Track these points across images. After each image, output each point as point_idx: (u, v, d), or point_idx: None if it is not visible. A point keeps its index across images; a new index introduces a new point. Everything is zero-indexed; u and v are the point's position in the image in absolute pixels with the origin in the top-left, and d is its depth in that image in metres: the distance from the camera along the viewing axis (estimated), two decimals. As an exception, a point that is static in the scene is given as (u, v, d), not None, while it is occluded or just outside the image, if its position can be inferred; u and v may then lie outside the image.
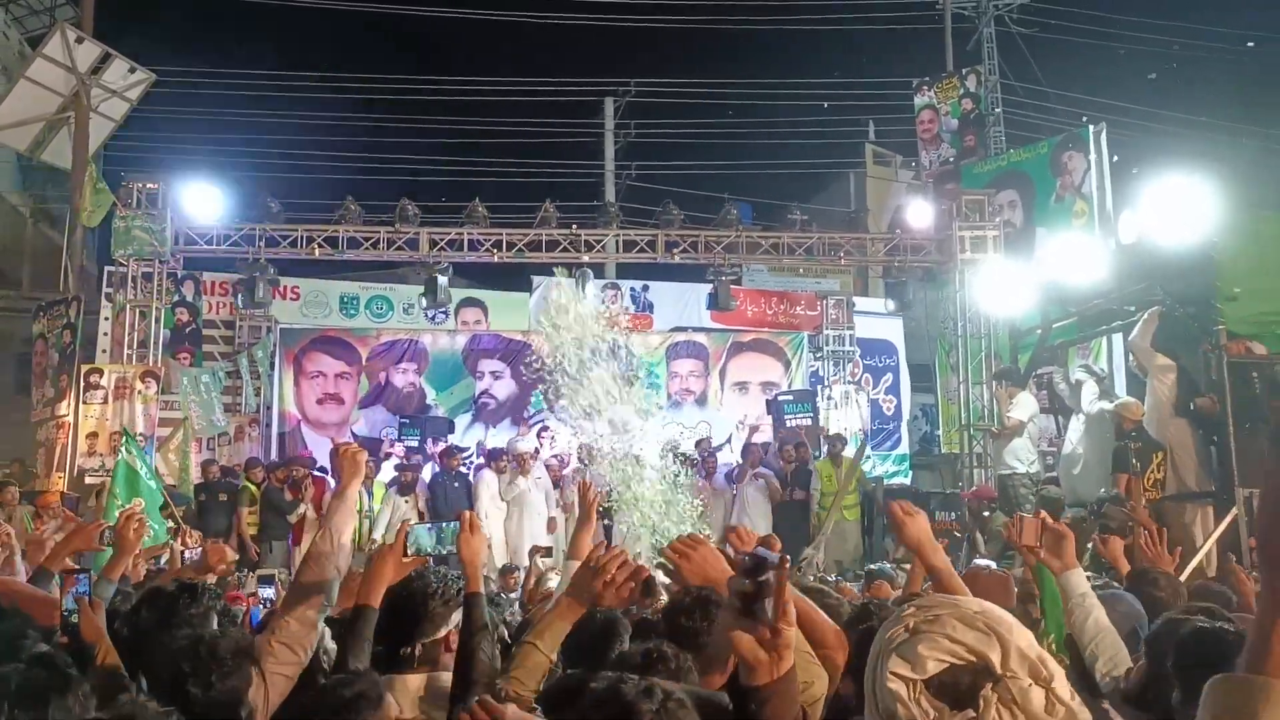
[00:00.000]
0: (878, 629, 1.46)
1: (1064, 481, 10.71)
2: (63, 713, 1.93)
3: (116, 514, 5.58)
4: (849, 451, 12.43)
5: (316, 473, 11.74)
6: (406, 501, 11.78)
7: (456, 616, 2.79)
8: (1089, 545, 6.60)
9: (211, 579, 3.90)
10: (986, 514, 10.82)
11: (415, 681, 2.73)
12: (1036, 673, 1.32)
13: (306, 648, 2.85)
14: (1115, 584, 4.70)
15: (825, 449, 12.34)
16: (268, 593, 4.86)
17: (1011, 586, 4.11)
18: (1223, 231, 9.28)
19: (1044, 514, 3.71)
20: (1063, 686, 1.33)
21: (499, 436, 13.84)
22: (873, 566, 6.46)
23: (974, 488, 12.44)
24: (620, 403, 10.82)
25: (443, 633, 2.81)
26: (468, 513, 2.87)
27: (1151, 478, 9.18)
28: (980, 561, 5.91)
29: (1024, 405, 11.54)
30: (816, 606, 2.55)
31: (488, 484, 11.92)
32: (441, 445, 12.88)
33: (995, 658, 1.31)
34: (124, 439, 10.62)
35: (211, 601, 3.06)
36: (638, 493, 10.27)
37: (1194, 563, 7.97)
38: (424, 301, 14.40)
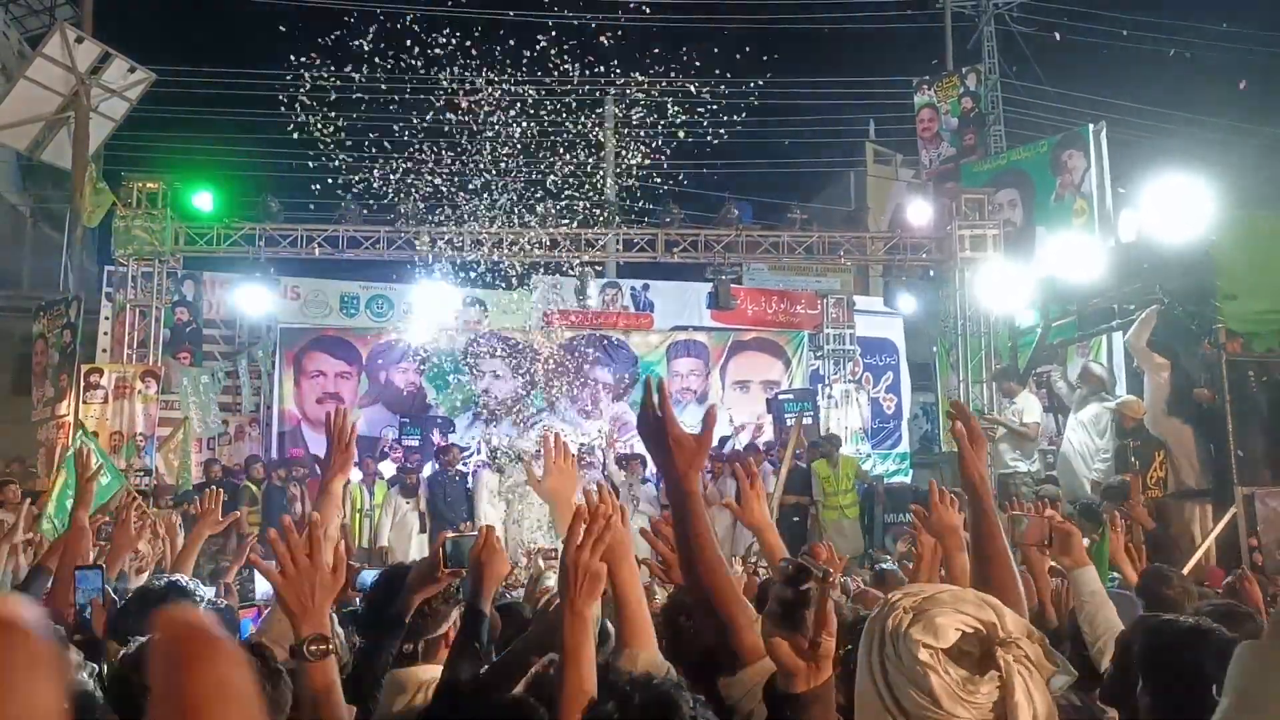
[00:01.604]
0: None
1: (1063, 480, 10.70)
2: None
3: (67, 504, 5.66)
4: (847, 450, 12.40)
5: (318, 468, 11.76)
6: (409, 503, 11.78)
7: (455, 614, 2.84)
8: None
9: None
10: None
11: (412, 676, 2.77)
12: (1030, 633, 1.39)
13: None
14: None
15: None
16: (265, 585, 4.82)
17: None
18: (1221, 231, 9.27)
19: (1052, 513, 3.51)
20: (1044, 643, 1.40)
21: (499, 436, 13.84)
22: (885, 566, 6.35)
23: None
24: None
25: (443, 629, 2.88)
26: (488, 529, 2.88)
27: (1154, 475, 9.18)
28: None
29: (1032, 407, 11.53)
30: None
31: (487, 483, 11.92)
32: (443, 443, 12.88)
33: (997, 623, 1.37)
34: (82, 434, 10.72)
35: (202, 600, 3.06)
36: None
37: (1193, 561, 7.98)
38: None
